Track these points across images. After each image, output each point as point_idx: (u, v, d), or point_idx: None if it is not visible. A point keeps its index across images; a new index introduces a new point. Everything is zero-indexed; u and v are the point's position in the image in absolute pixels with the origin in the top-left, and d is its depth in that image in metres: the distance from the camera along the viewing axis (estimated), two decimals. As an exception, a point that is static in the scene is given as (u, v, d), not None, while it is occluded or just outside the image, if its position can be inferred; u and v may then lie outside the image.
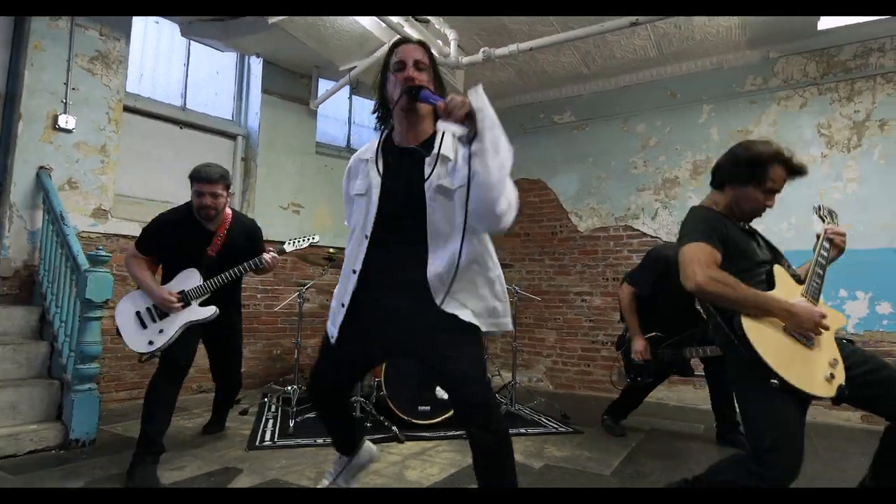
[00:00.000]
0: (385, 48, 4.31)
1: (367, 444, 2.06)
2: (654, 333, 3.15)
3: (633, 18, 3.72)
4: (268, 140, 4.86)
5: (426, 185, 1.49)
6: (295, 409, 3.31)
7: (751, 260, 1.85)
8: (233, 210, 2.83)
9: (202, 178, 2.59)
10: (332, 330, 1.66)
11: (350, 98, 5.73)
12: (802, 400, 1.65)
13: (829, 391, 1.64)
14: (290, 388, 3.57)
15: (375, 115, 1.69)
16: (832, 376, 1.66)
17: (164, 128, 4.39)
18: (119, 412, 3.51)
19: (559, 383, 5.28)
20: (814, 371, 1.65)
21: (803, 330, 1.67)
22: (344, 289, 1.63)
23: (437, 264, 1.50)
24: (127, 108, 4.05)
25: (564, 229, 5.42)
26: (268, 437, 3.07)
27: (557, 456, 2.88)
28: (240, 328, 3.00)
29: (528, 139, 5.64)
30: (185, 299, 2.59)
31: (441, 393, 3.35)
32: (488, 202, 1.35)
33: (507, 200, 1.37)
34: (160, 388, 2.42)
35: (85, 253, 2.97)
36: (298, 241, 2.96)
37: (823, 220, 2.03)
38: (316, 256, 3.62)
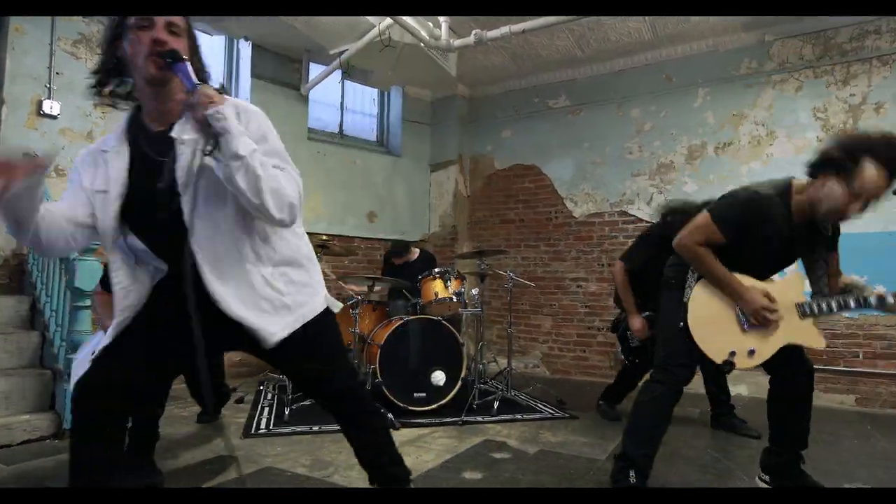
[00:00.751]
0: (375, 31, 4.27)
1: None
2: (647, 313, 3.16)
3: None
4: (259, 126, 4.78)
5: (181, 169, 1.24)
6: (291, 397, 3.30)
7: (757, 267, 1.93)
8: None
9: None
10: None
11: (342, 83, 5.65)
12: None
13: (718, 359, 1.91)
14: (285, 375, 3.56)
15: (94, 86, 1.39)
16: (733, 354, 1.90)
17: (152, 114, 4.30)
18: (113, 401, 3.48)
19: (555, 369, 5.30)
20: (722, 341, 1.92)
21: (747, 314, 1.90)
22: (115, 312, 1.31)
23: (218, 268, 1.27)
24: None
25: (559, 215, 5.40)
26: (263, 424, 3.07)
27: (553, 441, 2.89)
28: None
29: (523, 124, 5.58)
30: None
31: (437, 380, 3.36)
32: (254, 205, 1.19)
33: (278, 205, 1.20)
34: None
35: (74, 241, 2.93)
36: None
37: None
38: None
